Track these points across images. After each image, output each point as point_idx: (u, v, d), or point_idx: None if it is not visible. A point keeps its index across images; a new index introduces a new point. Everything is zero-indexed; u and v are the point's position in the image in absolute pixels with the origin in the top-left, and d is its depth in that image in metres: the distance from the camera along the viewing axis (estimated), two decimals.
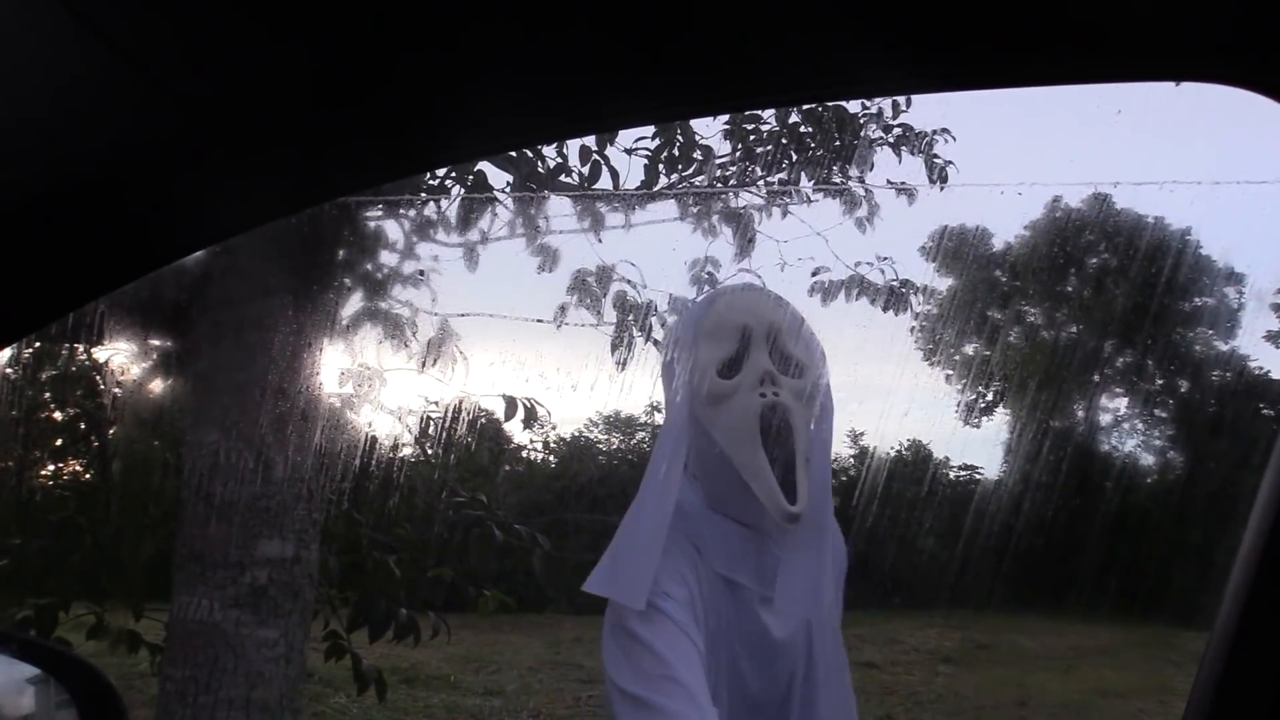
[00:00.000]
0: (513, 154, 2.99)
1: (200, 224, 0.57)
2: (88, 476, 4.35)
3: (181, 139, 0.51)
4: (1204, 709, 0.67)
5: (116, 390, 3.95)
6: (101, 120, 0.49)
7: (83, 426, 4.14)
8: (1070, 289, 28.46)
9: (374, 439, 3.64)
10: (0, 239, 0.51)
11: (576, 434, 14.38)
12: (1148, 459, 26.98)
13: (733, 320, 1.33)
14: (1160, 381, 25.68)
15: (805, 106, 4.62)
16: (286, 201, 0.61)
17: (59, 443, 4.33)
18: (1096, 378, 26.55)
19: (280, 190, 0.57)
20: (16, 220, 0.51)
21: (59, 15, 0.45)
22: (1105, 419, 27.04)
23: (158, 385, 3.89)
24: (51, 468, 4.54)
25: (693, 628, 1.23)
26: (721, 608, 1.29)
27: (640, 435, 15.50)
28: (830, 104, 4.35)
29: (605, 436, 15.26)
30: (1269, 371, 23.52)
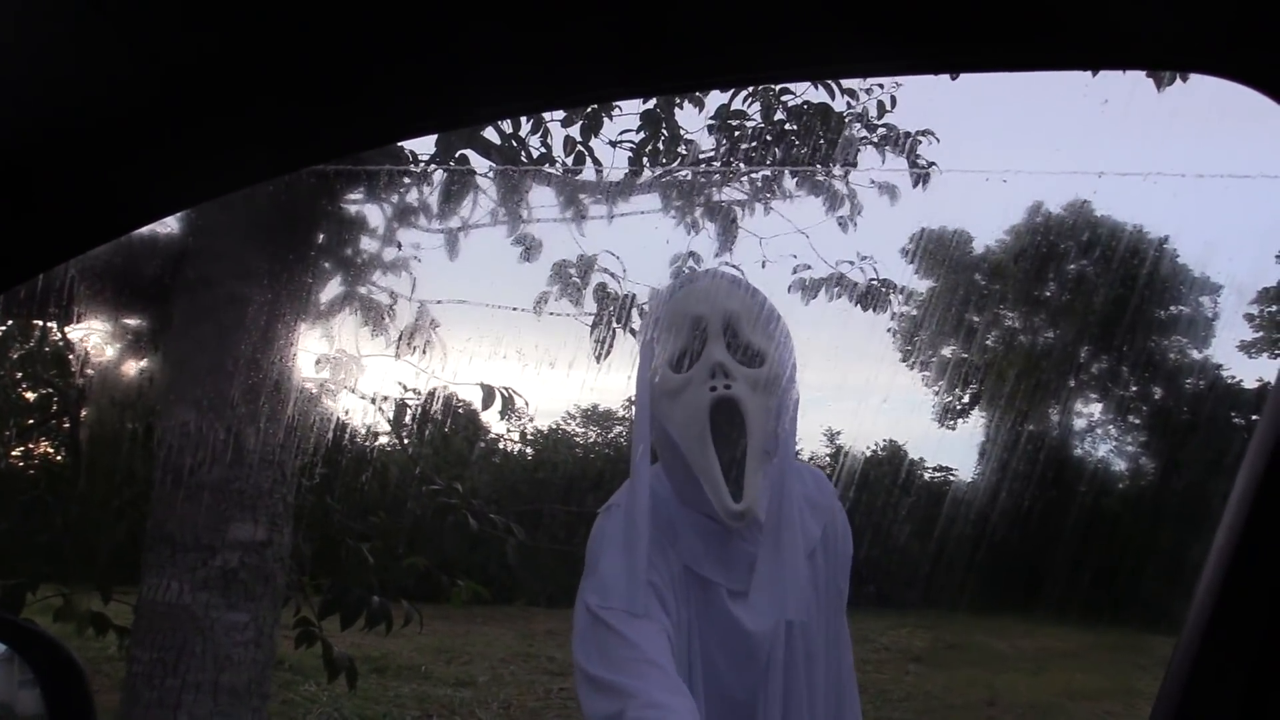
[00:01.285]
0: (497, 142, 2.97)
1: (173, 188, 0.56)
2: (59, 457, 4.31)
3: (158, 99, 0.50)
4: (1171, 712, 0.68)
5: (89, 370, 3.91)
6: (79, 78, 0.48)
7: (55, 406, 4.10)
8: (1048, 294, 28.69)
9: (350, 425, 3.62)
10: None
11: (554, 426, 14.37)
12: (1120, 464, 27.21)
13: (688, 311, 1.30)
14: (1134, 388, 25.94)
15: (788, 86, 4.62)
16: (262, 167, 0.60)
17: (30, 422, 4.28)
18: (1072, 382, 26.80)
19: (257, 155, 0.56)
20: None
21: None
22: (1079, 423, 27.24)
23: (131, 365, 3.85)
24: (21, 448, 4.49)
25: (663, 616, 1.21)
26: (691, 600, 1.27)
27: (618, 429, 15.51)
28: (820, 84, 4.34)
29: (582, 429, 15.26)
30: (1241, 380, 23.77)
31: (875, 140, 4.67)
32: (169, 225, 3.64)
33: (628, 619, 1.19)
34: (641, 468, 1.26)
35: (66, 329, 3.60)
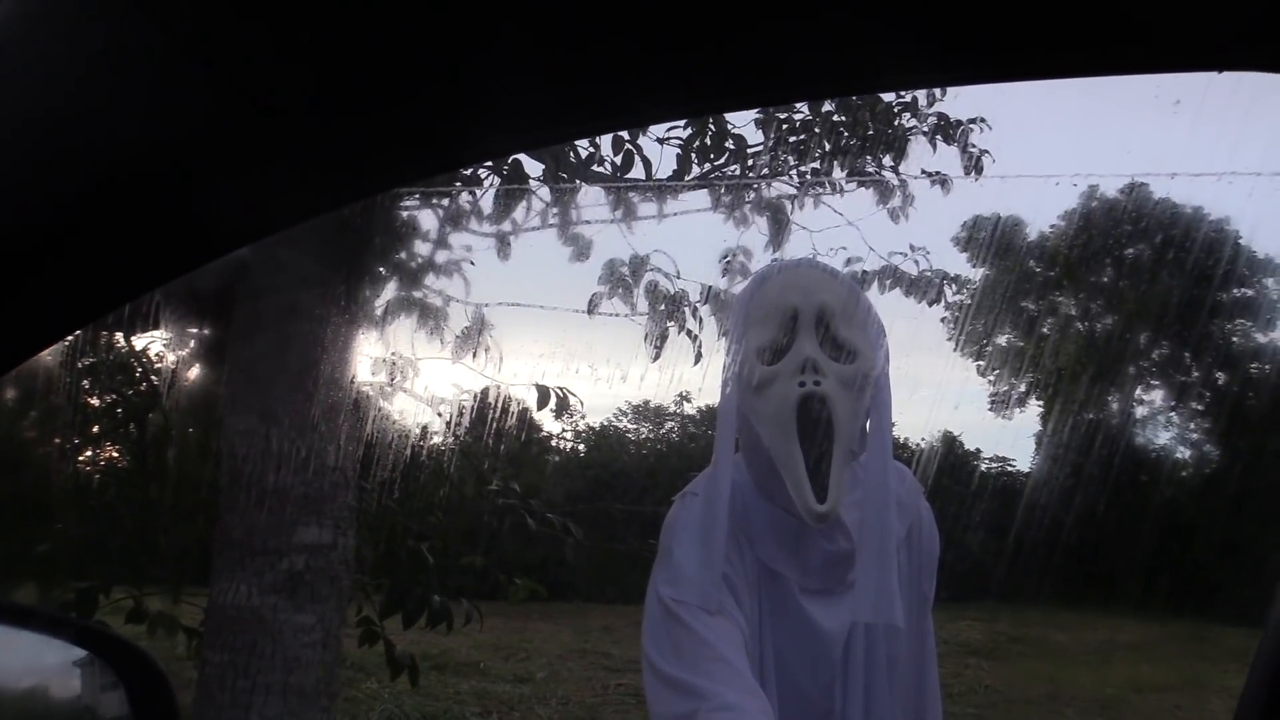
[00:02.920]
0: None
1: (250, 219, 0.58)
2: (126, 463, 4.42)
3: (238, 135, 0.51)
4: (1257, 706, 0.66)
5: (155, 377, 4.00)
6: (163, 114, 0.50)
7: (121, 413, 4.20)
8: (1106, 280, 28.10)
9: (408, 427, 3.67)
10: (62, 231, 0.52)
11: (606, 423, 14.43)
12: (1183, 452, 26.59)
13: (781, 302, 1.26)
14: (1197, 374, 25.33)
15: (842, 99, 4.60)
16: (331, 198, 0.62)
17: (97, 429, 4.40)
18: (1132, 370, 26.23)
19: (325, 187, 0.58)
20: (78, 211, 0.52)
21: (127, 11, 0.46)
22: (1140, 411, 26.68)
23: (196, 372, 3.94)
24: (91, 453, 4.61)
25: (736, 611, 1.19)
26: (763, 594, 1.25)
27: (669, 425, 15.53)
28: (866, 95, 4.32)
29: (635, 425, 15.30)
30: None
31: (926, 130, 4.62)
32: None
33: (702, 613, 1.17)
34: (724, 460, 1.24)
35: (133, 338, 3.69)
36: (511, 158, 2.47)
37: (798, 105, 4.63)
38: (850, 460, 1.23)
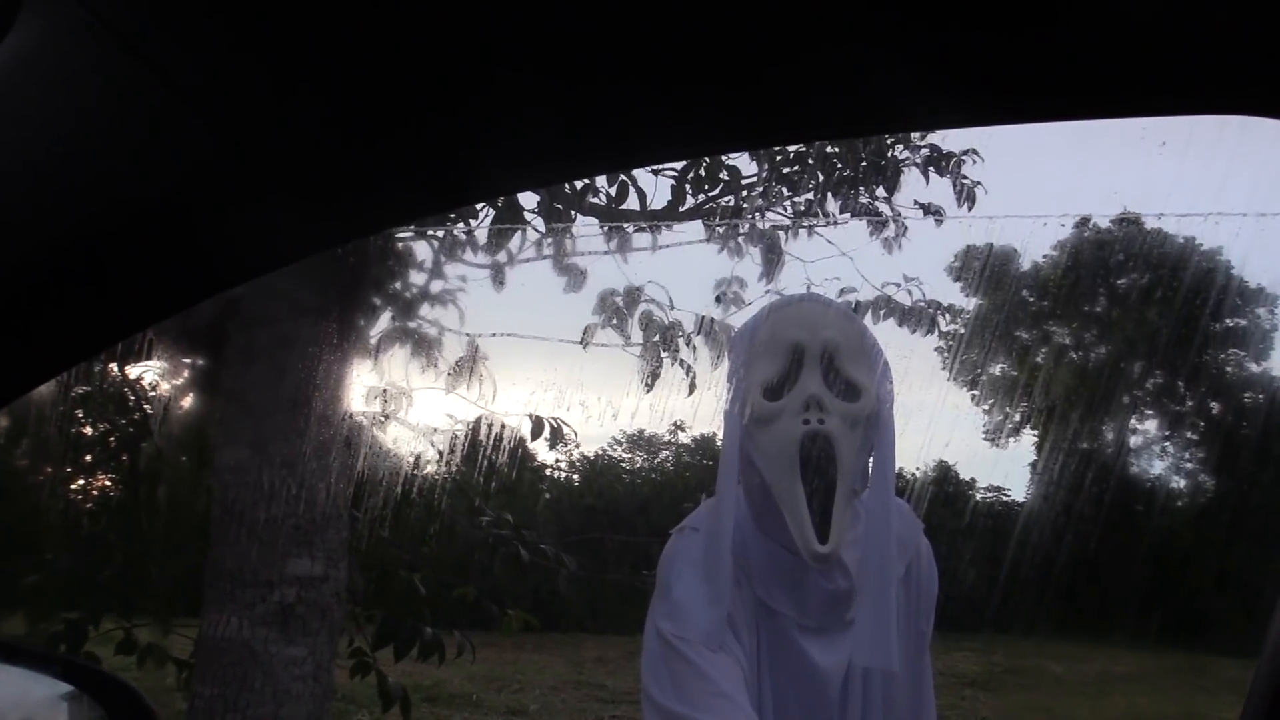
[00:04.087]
0: None
1: (248, 257, 0.58)
2: (118, 492, 4.39)
3: (235, 175, 0.52)
4: None
5: (148, 407, 3.99)
6: (156, 157, 0.50)
7: (113, 442, 4.19)
8: (1099, 309, 28.21)
9: (401, 457, 3.66)
10: (58, 271, 0.53)
11: (600, 452, 14.39)
12: (1178, 482, 26.55)
13: (785, 337, 1.25)
14: (1191, 403, 25.36)
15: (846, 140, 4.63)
16: (331, 235, 0.62)
17: (89, 458, 4.38)
18: (1126, 399, 26.26)
19: (325, 224, 0.58)
20: (73, 252, 0.52)
21: (119, 58, 0.46)
22: (1135, 441, 26.66)
23: (189, 402, 3.93)
24: (82, 483, 4.59)
25: (737, 648, 1.18)
26: (761, 630, 1.24)
27: (664, 454, 15.49)
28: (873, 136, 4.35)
29: (629, 455, 15.26)
30: None
31: (918, 161, 4.65)
32: None
33: (702, 649, 1.15)
34: (727, 495, 1.24)
35: (126, 367, 3.69)
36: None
37: None
38: (852, 499, 1.22)
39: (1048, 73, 0.50)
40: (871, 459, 1.26)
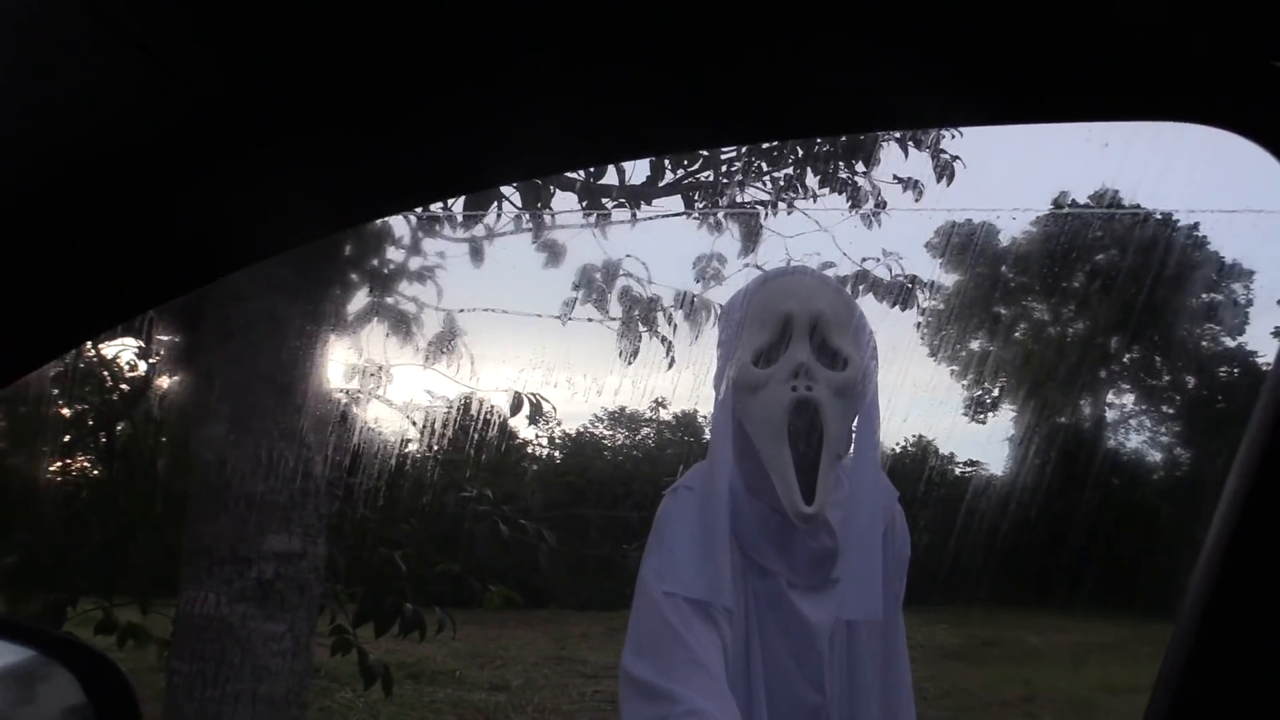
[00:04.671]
0: None
1: (242, 244, 0.58)
2: (96, 472, 4.37)
3: (227, 161, 0.51)
4: (1166, 705, 0.68)
5: (125, 386, 3.96)
6: (139, 140, 0.50)
7: (91, 422, 4.16)
8: (1077, 284, 28.38)
9: (380, 434, 3.65)
10: (61, 253, 0.52)
11: (582, 429, 14.39)
12: (1154, 455, 26.84)
13: (776, 307, 1.29)
14: (1167, 378, 25.60)
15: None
16: (326, 222, 0.62)
17: (67, 438, 4.34)
18: (1103, 374, 26.48)
19: (320, 212, 0.57)
20: (80, 235, 0.52)
21: (111, 42, 0.46)
22: (1112, 415, 26.91)
23: (166, 381, 3.90)
24: (60, 463, 4.55)
25: (722, 614, 1.21)
26: (751, 589, 1.28)
27: (645, 431, 15.52)
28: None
29: (610, 432, 15.27)
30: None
31: (898, 136, 4.65)
32: None
33: (686, 610, 1.19)
34: (722, 459, 1.27)
35: (101, 345, 3.65)
36: None
37: None
38: (836, 463, 1.27)
39: (1047, 75, 0.50)
40: (856, 426, 1.30)
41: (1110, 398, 26.31)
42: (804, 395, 1.24)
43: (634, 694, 1.17)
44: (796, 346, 1.26)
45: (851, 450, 1.30)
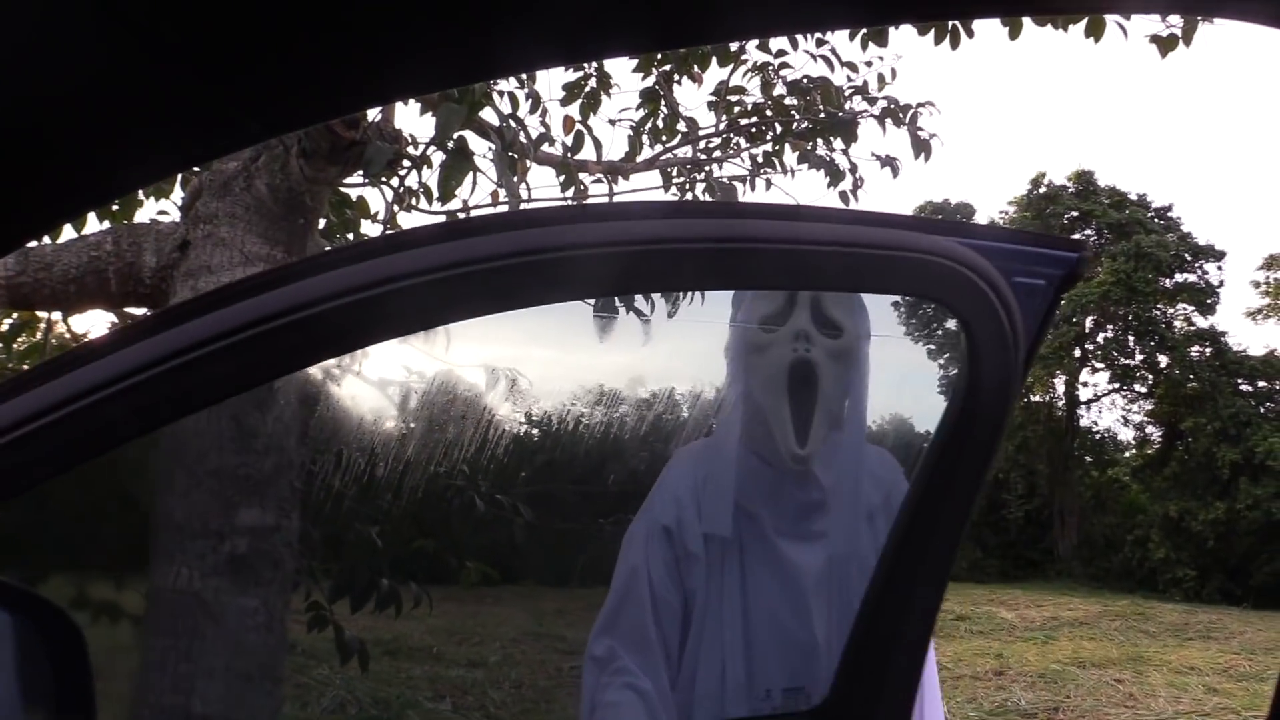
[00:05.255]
0: (495, 123, 2.96)
1: (144, 161, 0.56)
2: None
3: (133, 69, 0.49)
4: None
5: None
6: (51, 50, 0.48)
7: None
8: None
9: (354, 409, 3.62)
10: None
11: (558, 406, 14.37)
12: (1127, 433, 27.14)
13: None
14: (1140, 357, 25.84)
15: (788, 61, 4.59)
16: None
17: None
18: (1077, 352, 26.68)
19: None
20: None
21: None
22: (1085, 393, 27.19)
23: None
24: None
25: (687, 594, 1.43)
26: (742, 534, 1.45)
27: (622, 408, 15.52)
28: (819, 39, 4.29)
29: (587, 409, 15.25)
30: (1247, 347, 23.76)
31: (876, 114, 4.64)
32: (169, 213, 3.63)
33: (661, 585, 1.41)
34: (732, 410, 1.50)
35: (70, 320, 3.61)
36: (458, 134, 2.44)
37: (749, 88, 4.63)
38: (829, 419, 1.47)
39: None
40: (850, 391, 1.51)
41: (1085, 376, 26.57)
42: (803, 356, 1.44)
43: (593, 664, 1.39)
44: (799, 315, 1.46)
45: (844, 413, 1.51)
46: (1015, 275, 1.05)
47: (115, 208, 3.15)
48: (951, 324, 1.11)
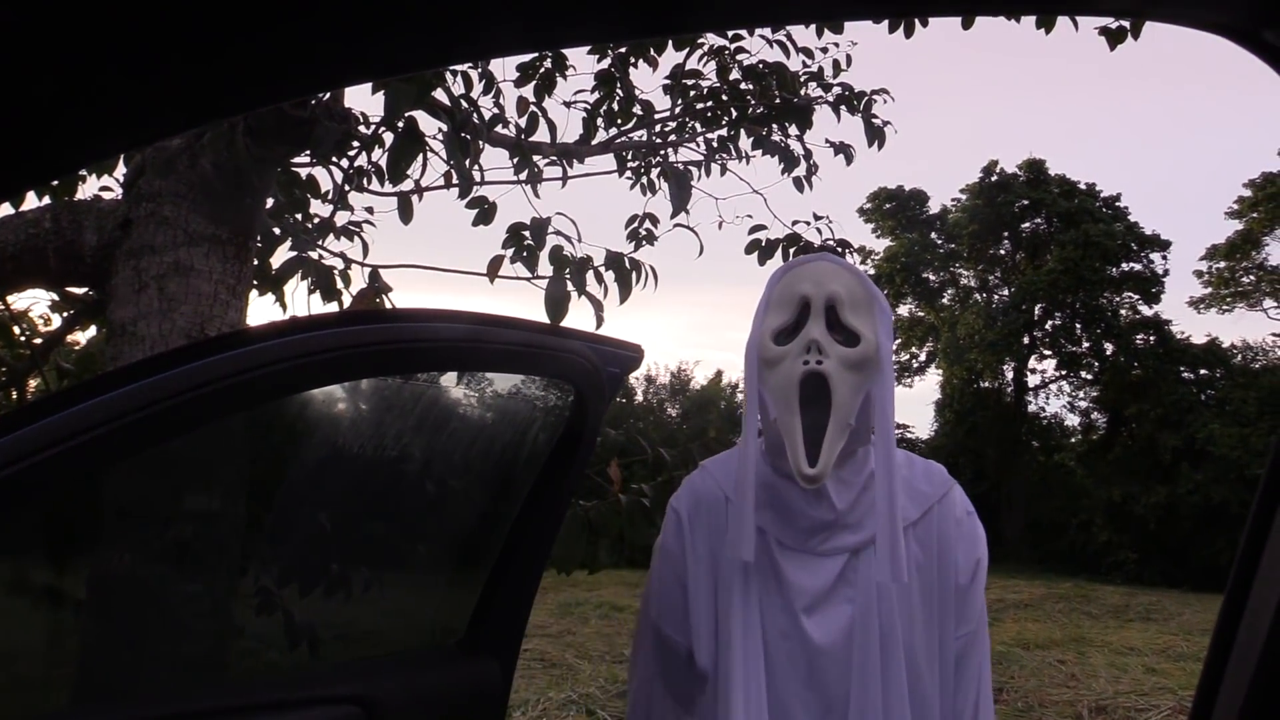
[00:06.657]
0: (447, 103, 2.92)
1: (87, 142, 0.54)
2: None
3: (76, 46, 0.47)
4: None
5: (36, 341, 3.82)
6: None
7: (2, 378, 4.01)
8: (1003, 252, 28.91)
9: (305, 391, 3.58)
10: None
11: (513, 390, 14.30)
12: (1073, 419, 27.68)
13: (795, 290, 1.45)
14: (1087, 344, 26.34)
15: (744, 45, 4.59)
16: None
17: None
18: (1026, 339, 27.13)
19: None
20: None
21: None
22: (1033, 380, 27.67)
23: (77, 335, 3.77)
24: None
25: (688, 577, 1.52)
26: (755, 550, 1.43)
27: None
28: (779, 33, 4.29)
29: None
30: (1190, 335, 24.32)
31: (831, 100, 4.66)
32: (112, 190, 3.55)
33: (676, 581, 1.55)
34: (750, 430, 1.44)
35: (10, 299, 3.51)
36: (409, 115, 2.41)
37: (705, 72, 4.62)
38: (845, 432, 1.40)
39: None
40: (876, 399, 1.42)
41: (1033, 363, 27.01)
42: (814, 368, 1.38)
43: (645, 641, 1.62)
44: (812, 325, 1.42)
45: (869, 423, 1.44)
46: (608, 365, 1.77)
47: (55, 184, 3.07)
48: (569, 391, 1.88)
